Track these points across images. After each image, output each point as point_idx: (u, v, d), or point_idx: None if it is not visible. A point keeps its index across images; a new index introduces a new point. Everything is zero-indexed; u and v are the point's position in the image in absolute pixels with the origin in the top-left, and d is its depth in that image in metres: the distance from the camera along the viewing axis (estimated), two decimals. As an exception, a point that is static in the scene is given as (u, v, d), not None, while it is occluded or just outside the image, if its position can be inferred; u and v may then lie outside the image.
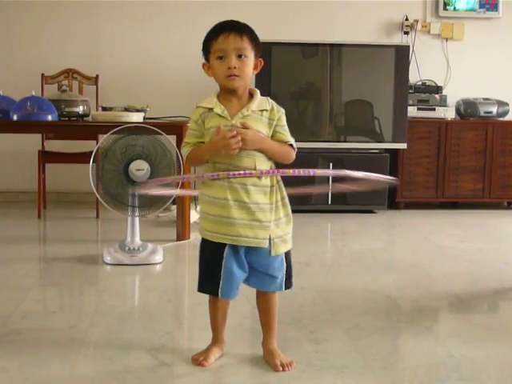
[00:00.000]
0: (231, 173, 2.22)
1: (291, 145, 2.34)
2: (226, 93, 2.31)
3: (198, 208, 2.39)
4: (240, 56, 2.25)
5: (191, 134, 2.33)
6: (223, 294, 2.36)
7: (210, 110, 2.30)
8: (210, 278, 2.36)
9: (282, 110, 2.35)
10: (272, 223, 2.30)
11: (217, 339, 2.49)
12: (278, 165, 2.36)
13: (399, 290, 3.52)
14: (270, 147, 2.30)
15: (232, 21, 2.30)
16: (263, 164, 2.30)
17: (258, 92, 2.35)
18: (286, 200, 2.36)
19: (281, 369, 2.38)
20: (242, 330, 2.82)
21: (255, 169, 2.27)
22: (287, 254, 2.40)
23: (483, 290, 3.60)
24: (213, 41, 2.26)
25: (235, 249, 2.31)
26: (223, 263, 2.31)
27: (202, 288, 2.41)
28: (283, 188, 2.36)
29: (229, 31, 2.24)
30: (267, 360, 2.44)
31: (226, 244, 2.30)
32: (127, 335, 2.74)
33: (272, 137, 2.33)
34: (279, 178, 2.35)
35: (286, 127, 2.35)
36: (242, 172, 2.23)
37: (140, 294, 3.63)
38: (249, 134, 2.22)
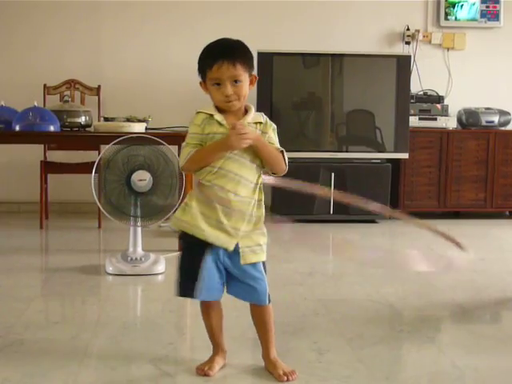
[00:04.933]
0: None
1: (283, 154, 2.36)
2: (222, 110, 2.35)
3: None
4: (235, 81, 2.28)
5: (193, 137, 2.33)
6: (202, 296, 2.38)
7: (211, 116, 2.32)
8: (189, 281, 2.37)
9: (274, 126, 2.40)
10: (243, 232, 2.33)
11: (217, 349, 2.50)
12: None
13: (402, 299, 3.52)
14: (265, 146, 2.32)
15: (223, 44, 2.32)
16: (255, 175, 2.35)
17: (253, 107, 2.39)
18: (263, 218, 2.38)
19: (285, 378, 2.38)
20: (244, 340, 2.81)
21: (244, 177, 2.31)
22: (264, 268, 2.41)
23: (486, 300, 3.60)
24: (208, 68, 2.28)
25: (216, 251, 2.34)
26: (202, 265, 2.34)
27: (180, 291, 2.41)
28: (262, 207, 2.39)
29: (222, 60, 2.25)
30: (269, 370, 2.44)
31: (207, 246, 2.32)
32: (130, 345, 2.74)
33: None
34: (262, 197, 2.38)
35: (277, 140, 2.39)
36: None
37: (142, 305, 3.63)
38: (248, 129, 2.26)
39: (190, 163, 2.32)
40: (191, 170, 2.37)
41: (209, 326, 2.50)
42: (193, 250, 2.36)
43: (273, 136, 2.38)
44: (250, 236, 2.35)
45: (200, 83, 2.37)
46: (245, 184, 2.32)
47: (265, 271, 2.41)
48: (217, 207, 2.30)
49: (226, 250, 2.33)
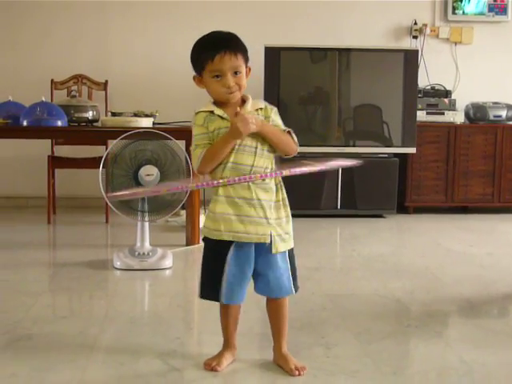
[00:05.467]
0: (232, 179, 2.26)
1: (290, 134, 2.35)
2: (220, 103, 2.33)
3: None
4: (235, 73, 2.27)
5: (200, 137, 2.31)
6: (226, 299, 2.38)
7: (211, 112, 2.31)
8: (212, 284, 2.37)
9: (275, 108, 2.39)
10: (273, 220, 2.33)
11: (228, 344, 2.50)
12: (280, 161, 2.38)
13: (409, 294, 3.52)
14: (272, 130, 2.31)
15: (221, 36, 2.31)
16: (266, 161, 2.33)
17: (250, 96, 2.37)
18: (287, 201, 2.39)
19: (297, 373, 2.38)
20: (252, 335, 2.81)
21: (255, 166, 2.30)
22: (290, 256, 2.41)
23: (493, 295, 3.59)
24: (208, 60, 2.25)
25: (240, 251, 2.33)
26: (225, 268, 2.33)
27: (203, 294, 2.42)
28: (284, 189, 2.38)
29: (223, 51, 2.24)
30: (280, 364, 2.44)
31: (229, 248, 2.32)
32: (137, 340, 2.75)
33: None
34: (280, 178, 2.37)
35: (281, 122, 2.38)
36: (240, 178, 2.26)
37: (150, 299, 3.64)
38: (251, 116, 2.24)
39: (203, 164, 2.30)
40: (207, 170, 2.33)
41: (224, 324, 2.48)
42: (216, 253, 2.35)
43: (276, 119, 2.37)
44: (281, 224, 2.35)
45: (194, 78, 2.35)
46: (259, 172, 2.30)
47: (290, 259, 2.41)
48: (240, 202, 2.29)
49: (261, 243, 2.32)
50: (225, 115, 2.30)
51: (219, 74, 2.26)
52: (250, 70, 2.35)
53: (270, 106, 2.38)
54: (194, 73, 2.35)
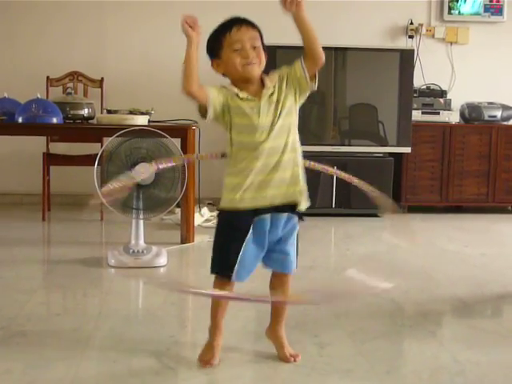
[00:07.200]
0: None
1: None
2: (241, 82, 2.33)
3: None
4: (254, 48, 2.30)
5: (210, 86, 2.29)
6: (237, 277, 2.36)
7: (235, 95, 2.31)
8: (226, 260, 2.35)
9: (283, 67, 2.42)
10: (294, 179, 2.39)
11: (216, 331, 2.47)
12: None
13: (403, 294, 3.52)
14: (307, 18, 2.45)
15: (237, 16, 2.36)
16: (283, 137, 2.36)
17: (265, 74, 2.38)
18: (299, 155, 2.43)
19: (292, 360, 2.45)
20: (246, 333, 2.82)
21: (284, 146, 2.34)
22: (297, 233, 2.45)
23: (487, 295, 3.60)
24: (226, 35, 2.29)
25: (259, 227, 2.33)
26: (243, 247, 2.32)
27: (214, 269, 2.39)
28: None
29: (240, 23, 2.30)
30: (274, 343, 2.51)
31: (250, 225, 2.31)
32: (131, 338, 2.75)
33: (295, 70, 2.42)
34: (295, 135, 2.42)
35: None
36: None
37: (144, 297, 3.63)
38: None
39: (183, 78, 2.23)
40: (190, 84, 2.23)
41: (216, 304, 2.46)
42: (235, 230, 2.33)
43: (288, 67, 2.39)
44: (298, 181, 2.41)
45: (212, 62, 2.36)
46: (279, 149, 2.33)
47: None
48: (266, 170, 2.31)
49: (280, 216, 2.36)
50: (249, 97, 2.31)
51: (238, 46, 2.28)
52: (267, 54, 2.36)
53: (278, 71, 2.39)
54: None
